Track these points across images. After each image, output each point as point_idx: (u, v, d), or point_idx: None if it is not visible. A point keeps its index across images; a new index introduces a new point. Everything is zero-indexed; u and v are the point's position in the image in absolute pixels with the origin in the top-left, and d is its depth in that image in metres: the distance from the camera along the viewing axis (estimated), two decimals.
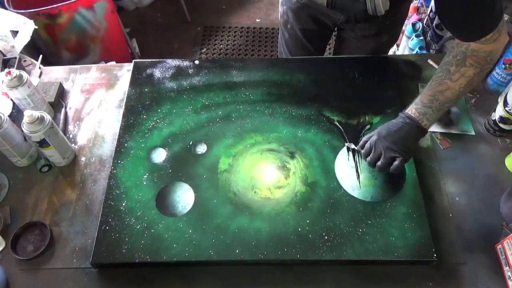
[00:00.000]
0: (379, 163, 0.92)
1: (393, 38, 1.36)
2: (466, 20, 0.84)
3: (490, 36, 0.84)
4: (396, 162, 0.90)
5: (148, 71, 1.22)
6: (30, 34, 1.33)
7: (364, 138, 0.97)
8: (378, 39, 1.26)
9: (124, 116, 1.12)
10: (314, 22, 1.24)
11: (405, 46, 1.96)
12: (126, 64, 1.30)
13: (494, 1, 0.79)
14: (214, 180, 0.99)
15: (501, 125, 1.05)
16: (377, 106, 1.11)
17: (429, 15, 1.83)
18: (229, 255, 0.87)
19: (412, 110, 0.92)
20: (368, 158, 0.94)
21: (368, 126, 1.07)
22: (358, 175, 0.99)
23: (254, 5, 2.88)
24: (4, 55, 1.27)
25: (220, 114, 1.12)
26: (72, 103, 1.22)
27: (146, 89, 1.17)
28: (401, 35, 2.07)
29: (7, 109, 1.15)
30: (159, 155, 1.04)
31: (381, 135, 0.92)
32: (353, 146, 1.02)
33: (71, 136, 1.14)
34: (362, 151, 0.96)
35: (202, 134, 1.07)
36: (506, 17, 1.49)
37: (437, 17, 1.72)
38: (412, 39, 1.86)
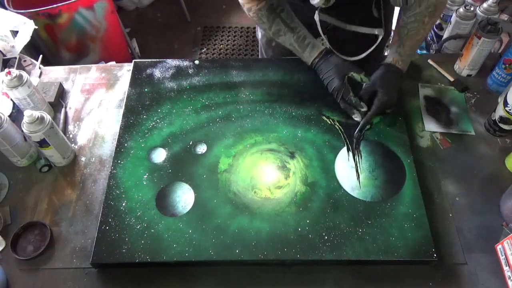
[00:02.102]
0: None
1: (386, 34, 1.35)
2: None
3: None
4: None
5: (148, 71, 1.22)
6: (30, 34, 1.33)
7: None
8: (374, 38, 1.25)
9: (124, 116, 1.12)
10: None
11: None
12: (126, 64, 1.30)
13: None
14: (214, 180, 0.99)
15: (501, 125, 1.05)
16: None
17: None
18: (229, 255, 0.87)
19: (398, 62, 1.05)
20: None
21: (368, 126, 1.07)
22: (358, 175, 0.99)
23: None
24: (4, 55, 1.27)
25: (220, 114, 1.12)
26: (72, 103, 1.22)
27: (146, 89, 1.17)
28: None
29: (7, 109, 1.15)
30: (159, 155, 1.04)
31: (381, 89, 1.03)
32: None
33: (71, 136, 1.14)
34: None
35: (202, 134, 1.08)
36: (506, 17, 1.49)
37: None
38: None
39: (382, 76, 1.05)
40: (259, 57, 1.50)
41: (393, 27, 1.74)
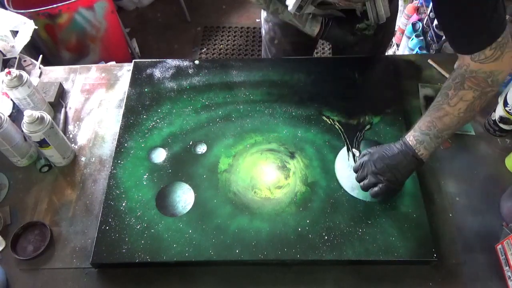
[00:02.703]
0: (361, 184, 0.92)
1: (389, 34, 1.36)
2: (462, 29, 0.81)
3: (490, 53, 0.79)
4: (375, 188, 0.89)
5: (148, 71, 1.22)
6: (30, 34, 1.33)
7: (363, 152, 0.95)
8: (374, 38, 1.26)
9: (124, 116, 1.12)
10: (303, 34, 1.21)
11: (405, 46, 1.96)
12: (126, 64, 1.30)
13: (491, 12, 0.76)
14: (214, 180, 0.99)
15: (501, 125, 1.05)
16: (377, 106, 1.11)
17: (429, 15, 1.83)
18: (229, 255, 0.87)
19: (410, 137, 0.89)
20: (355, 176, 0.94)
21: (368, 126, 1.07)
22: None
23: (254, 5, 2.87)
24: (4, 55, 1.27)
25: (220, 114, 1.12)
26: (72, 103, 1.22)
27: (146, 89, 1.17)
28: (401, 35, 2.07)
29: (7, 109, 1.15)
30: (159, 155, 1.04)
31: (372, 158, 0.90)
32: (357, 154, 1.02)
33: (71, 136, 1.14)
34: (353, 166, 0.96)
35: (202, 134, 1.07)
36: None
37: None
38: (412, 39, 1.86)
39: (383, 145, 0.93)
40: (262, 53, 1.51)
41: (396, 28, 1.73)
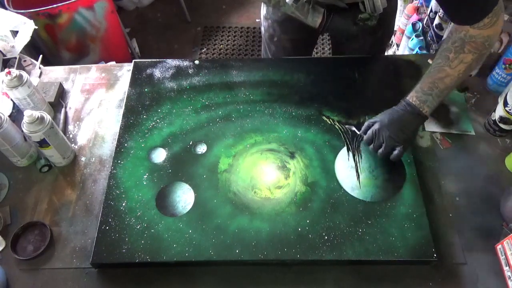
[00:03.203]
0: (380, 150, 0.96)
1: (388, 33, 1.36)
2: (463, 4, 0.86)
3: (488, 20, 0.85)
4: (396, 151, 0.94)
5: (148, 71, 1.22)
6: (30, 34, 1.33)
7: (366, 123, 1.00)
8: (374, 36, 1.26)
9: (124, 116, 1.12)
10: (303, 31, 1.24)
11: (405, 46, 1.96)
12: (126, 64, 1.30)
13: None
14: (214, 180, 0.99)
15: (501, 125, 1.05)
16: (377, 106, 1.11)
17: (429, 15, 1.83)
18: (229, 255, 0.87)
19: (413, 98, 0.95)
20: (371, 146, 0.98)
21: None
22: (358, 175, 0.99)
23: (254, 5, 2.88)
24: (4, 55, 1.27)
25: (220, 114, 1.12)
26: (72, 103, 1.22)
27: (146, 89, 1.17)
28: (401, 35, 2.07)
29: (7, 109, 1.15)
30: (159, 155, 1.04)
31: (383, 123, 0.95)
32: (353, 128, 1.05)
33: (71, 136, 1.14)
34: (364, 137, 0.99)
35: (202, 134, 1.08)
36: (506, 17, 1.49)
37: (437, 17, 1.72)
38: (412, 39, 1.86)
39: (386, 111, 0.98)
40: (262, 52, 1.51)
41: (396, 28, 1.73)
